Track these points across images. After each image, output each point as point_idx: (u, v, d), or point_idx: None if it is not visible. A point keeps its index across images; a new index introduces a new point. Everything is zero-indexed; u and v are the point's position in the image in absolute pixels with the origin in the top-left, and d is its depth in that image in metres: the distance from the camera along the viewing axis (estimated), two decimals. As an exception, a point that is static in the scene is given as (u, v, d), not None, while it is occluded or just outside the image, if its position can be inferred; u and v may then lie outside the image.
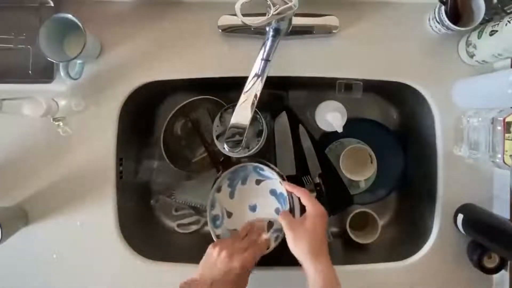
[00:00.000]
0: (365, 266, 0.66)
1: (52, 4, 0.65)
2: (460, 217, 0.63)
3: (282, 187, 0.61)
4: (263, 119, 0.65)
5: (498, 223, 0.58)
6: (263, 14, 0.49)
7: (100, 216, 0.66)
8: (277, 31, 0.57)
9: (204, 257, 0.56)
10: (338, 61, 0.67)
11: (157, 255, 0.67)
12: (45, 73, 0.65)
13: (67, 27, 0.60)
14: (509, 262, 0.62)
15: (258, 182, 0.65)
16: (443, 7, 0.60)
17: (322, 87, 0.78)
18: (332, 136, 0.76)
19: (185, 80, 0.67)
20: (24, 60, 0.64)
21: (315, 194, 0.71)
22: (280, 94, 0.80)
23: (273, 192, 0.64)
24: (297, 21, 0.63)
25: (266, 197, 0.64)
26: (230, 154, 0.60)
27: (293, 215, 0.59)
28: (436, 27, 0.64)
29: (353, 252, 0.75)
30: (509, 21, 0.54)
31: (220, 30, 0.65)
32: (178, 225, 0.80)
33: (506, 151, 0.55)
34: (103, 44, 0.66)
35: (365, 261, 0.67)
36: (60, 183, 0.66)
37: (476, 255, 0.61)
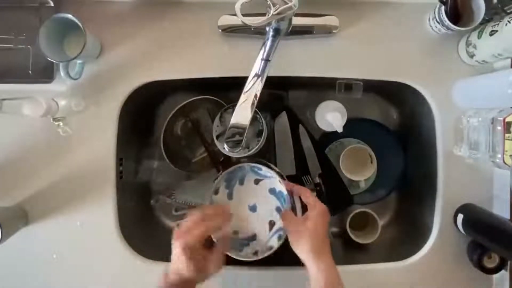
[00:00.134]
0: (365, 266, 0.66)
1: (52, 4, 0.65)
2: (460, 217, 0.63)
3: (282, 186, 0.60)
4: (263, 119, 0.65)
5: (498, 223, 0.58)
6: (263, 14, 0.49)
7: (100, 216, 0.66)
8: (277, 31, 0.57)
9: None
10: (338, 61, 0.67)
11: (157, 255, 0.66)
12: (45, 73, 0.65)
13: (67, 27, 0.60)
14: (509, 262, 0.62)
15: (256, 181, 0.65)
16: (443, 7, 0.60)
17: (322, 87, 0.78)
18: (332, 136, 0.77)
19: (185, 80, 0.67)
20: (24, 60, 0.64)
21: (315, 194, 0.71)
22: (280, 94, 0.80)
23: (272, 191, 0.63)
24: (297, 21, 0.63)
25: (266, 196, 0.64)
26: (230, 154, 0.60)
27: (295, 214, 0.59)
28: (436, 27, 0.64)
29: (353, 252, 0.75)
30: (509, 21, 0.54)
31: (220, 30, 0.65)
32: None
33: (506, 151, 0.55)
34: (103, 44, 0.66)
35: (365, 261, 0.67)
36: (60, 183, 0.66)
37: (476, 255, 0.61)
